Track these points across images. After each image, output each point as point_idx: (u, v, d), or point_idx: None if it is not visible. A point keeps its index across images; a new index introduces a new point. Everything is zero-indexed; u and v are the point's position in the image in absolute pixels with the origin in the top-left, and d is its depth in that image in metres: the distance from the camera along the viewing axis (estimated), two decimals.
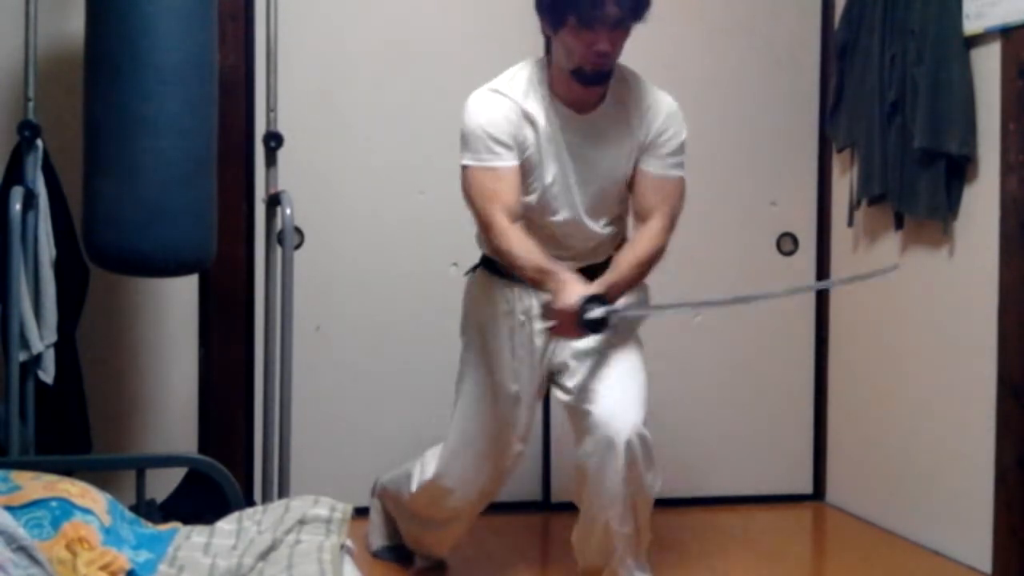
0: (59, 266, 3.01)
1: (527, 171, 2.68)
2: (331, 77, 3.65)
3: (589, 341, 2.69)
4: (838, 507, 3.91)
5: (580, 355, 2.74)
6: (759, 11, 3.90)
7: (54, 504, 1.99)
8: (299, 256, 3.44)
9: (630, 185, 2.76)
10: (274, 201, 3.20)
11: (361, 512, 2.37)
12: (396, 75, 3.68)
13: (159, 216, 2.77)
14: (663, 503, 3.28)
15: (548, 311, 2.59)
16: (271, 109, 3.27)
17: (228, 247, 3.32)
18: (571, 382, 2.73)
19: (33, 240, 2.93)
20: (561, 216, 2.72)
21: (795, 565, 3.40)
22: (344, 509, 2.27)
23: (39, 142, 2.97)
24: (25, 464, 2.42)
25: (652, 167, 2.72)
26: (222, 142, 2.98)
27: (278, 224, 3.19)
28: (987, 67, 3.12)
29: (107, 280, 3.22)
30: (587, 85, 2.63)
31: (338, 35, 3.65)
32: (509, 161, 2.63)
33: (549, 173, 2.68)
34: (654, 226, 2.70)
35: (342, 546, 2.12)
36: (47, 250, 2.97)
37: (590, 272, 2.70)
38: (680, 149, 2.76)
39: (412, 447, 3.25)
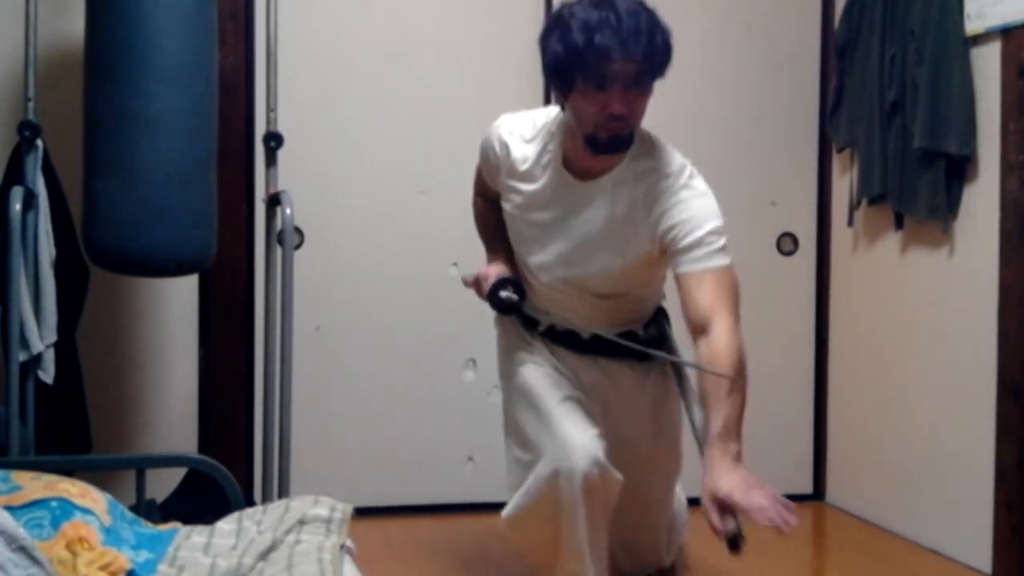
0: (59, 266, 3.01)
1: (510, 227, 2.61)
2: (331, 77, 3.65)
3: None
4: (838, 507, 3.91)
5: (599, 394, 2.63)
6: (759, 11, 3.90)
7: (54, 504, 1.99)
8: (299, 256, 3.44)
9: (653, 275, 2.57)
10: (274, 201, 3.20)
11: (361, 512, 2.37)
12: (396, 75, 3.68)
13: (159, 216, 2.77)
14: None
15: (476, 277, 2.65)
16: (271, 109, 3.27)
17: (228, 247, 3.32)
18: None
19: (33, 240, 2.93)
20: (546, 278, 2.55)
21: (795, 565, 3.40)
22: (344, 509, 2.27)
23: (39, 142, 2.97)
24: (25, 464, 2.42)
25: (688, 267, 2.32)
26: (222, 142, 2.98)
27: (278, 224, 3.19)
28: (987, 67, 3.12)
29: (107, 280, 3.22)
30: (601, 153, 2.34)
31: (338, 35, 3.65)
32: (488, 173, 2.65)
33: (531, 232, 2.54)
34: (721, 328, 2.27)
35: (342, 546, 2.12)
36: (47, 250, 2.97)
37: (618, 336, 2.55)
38: (714, 235, 2.33)
39: (412, 447, 3.26)
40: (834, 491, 3.95)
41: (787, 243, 3.94)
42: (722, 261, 2.33)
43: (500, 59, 3.74)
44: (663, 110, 3.80)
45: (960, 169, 3.22)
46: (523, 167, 2.49)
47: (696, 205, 2.34)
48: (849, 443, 3.87)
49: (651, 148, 2.43)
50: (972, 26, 3.13)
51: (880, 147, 3.49)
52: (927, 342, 3.43)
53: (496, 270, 2.62)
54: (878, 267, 3.68)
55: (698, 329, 2.32)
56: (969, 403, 3.21)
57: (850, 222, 3.78)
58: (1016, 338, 3.01)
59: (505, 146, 2.52)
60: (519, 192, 2.52)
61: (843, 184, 3.82)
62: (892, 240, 3.57)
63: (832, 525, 3.82)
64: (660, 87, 4.02)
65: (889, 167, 3.46)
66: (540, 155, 2.47)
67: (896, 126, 3.41)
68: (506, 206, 2.58)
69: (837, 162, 3.89)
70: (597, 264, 2.47)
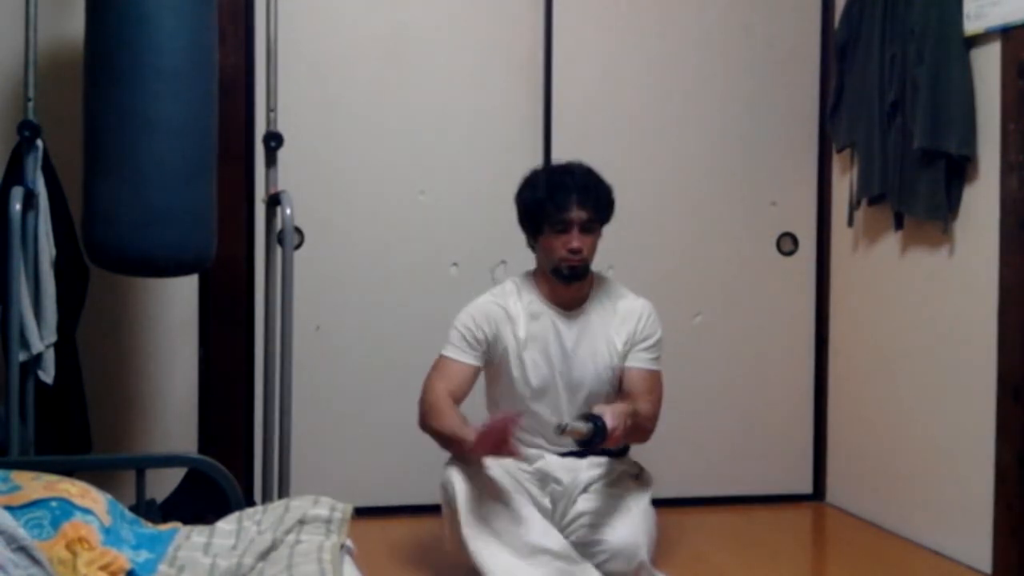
0: (59, 266, 3.01)
1: (506, 366, 3.00)
2: (331, 77, 3.65)
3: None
4: (838, 507, 3.91)
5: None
6: (759, 11, 3.90)
7: (54, 504, 1.99)
8: (299, 256, 3.45)
9: (618, 384, 3.02)
10: (274, 201, 3.20)
11: (361, 512, 2.37)
12: (396, 75, 3.68)
13: (159, 216, 2.77)
14: (663, 503, 3.29)
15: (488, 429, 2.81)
16: (271, 109, 3.27)
17: (228, 247, 3.32)
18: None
19: (33, 240, 2.93)
20: (546, 415, 2.98)
21: (795, 565, 3.40)
22: (344, 509, 2.27)
23: (39, 142, 2.97)
24: (25, 464, 2.42)
25: (638, 362, 3.01)
26: (222, 142, 2.98)
27: (278, 224, 3.19)
28: (987, 67, 3.12)
29: (107, 280, 3.22)
30: (565, 282, 2.96)
31: (338, 35, 3.65)
32: (468, 360, 3.00)
33: (536, 371, 2.99)
34: (644, 406, 2.91)
35: (342, 546, 2.12)
36: (47, 250, 2.97)
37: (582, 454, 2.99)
38: (658, 345, 3.04)
39: (412, 448, 3.25)
40: (834, 491, 3.95)
41: (787, 243, 3.95)
42: (659, 367, 3.04)
43: (500, 59, 3.74)
44: (664, 110, 3.84)
45: (960, 169, 3.22)
46: (518, 311, 3.00)
47: (652, 323, 3.05)
48: (849, 443, 3.87)
49: (608, 284, 3.08)
50: (972, 26, 3.13)
51: (880, 147, 3.49)
52: (927, 342, 3.43)
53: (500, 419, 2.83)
54: (878, 267, 3.68)
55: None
56: (969, 403, 3.21)
57: (850, 222, 3.78)
58: (1016, 338, 3.01)
59: (492, 307, 3.01)
60: (519, 335, 2.98)
61: (843, 184, 3.82)
62: (892, 240, 3.57)
63: (832, 525, 3.82)
64: (660, 87, 4.03)
65: (889, 167, 3.46)
66: (527, 304, 3.01)
67: (896, 126, 3.41)
68: (507, 359, 2.99)
69: (837, 162, 3.89)
70: (593, 388, 3.00)
